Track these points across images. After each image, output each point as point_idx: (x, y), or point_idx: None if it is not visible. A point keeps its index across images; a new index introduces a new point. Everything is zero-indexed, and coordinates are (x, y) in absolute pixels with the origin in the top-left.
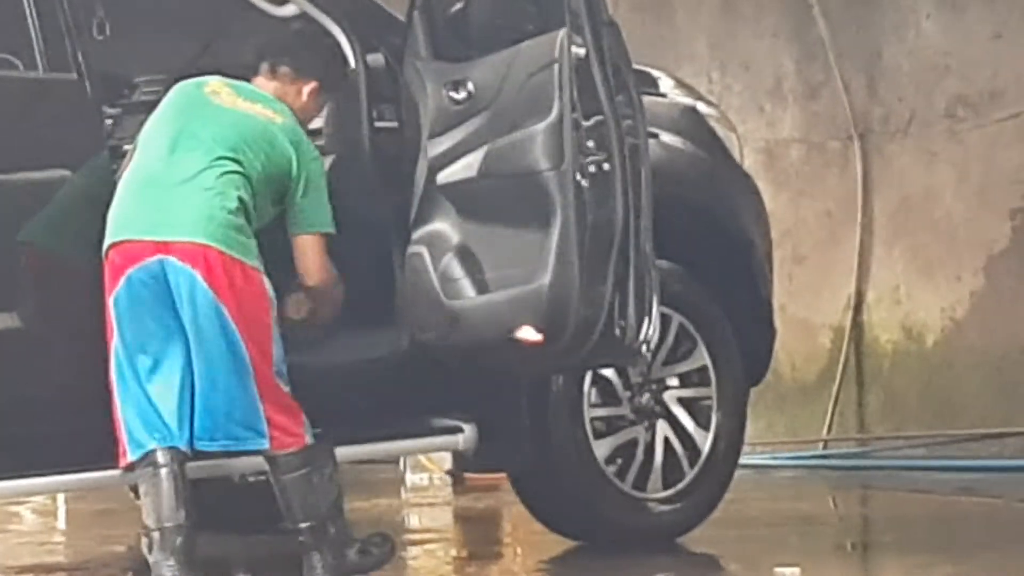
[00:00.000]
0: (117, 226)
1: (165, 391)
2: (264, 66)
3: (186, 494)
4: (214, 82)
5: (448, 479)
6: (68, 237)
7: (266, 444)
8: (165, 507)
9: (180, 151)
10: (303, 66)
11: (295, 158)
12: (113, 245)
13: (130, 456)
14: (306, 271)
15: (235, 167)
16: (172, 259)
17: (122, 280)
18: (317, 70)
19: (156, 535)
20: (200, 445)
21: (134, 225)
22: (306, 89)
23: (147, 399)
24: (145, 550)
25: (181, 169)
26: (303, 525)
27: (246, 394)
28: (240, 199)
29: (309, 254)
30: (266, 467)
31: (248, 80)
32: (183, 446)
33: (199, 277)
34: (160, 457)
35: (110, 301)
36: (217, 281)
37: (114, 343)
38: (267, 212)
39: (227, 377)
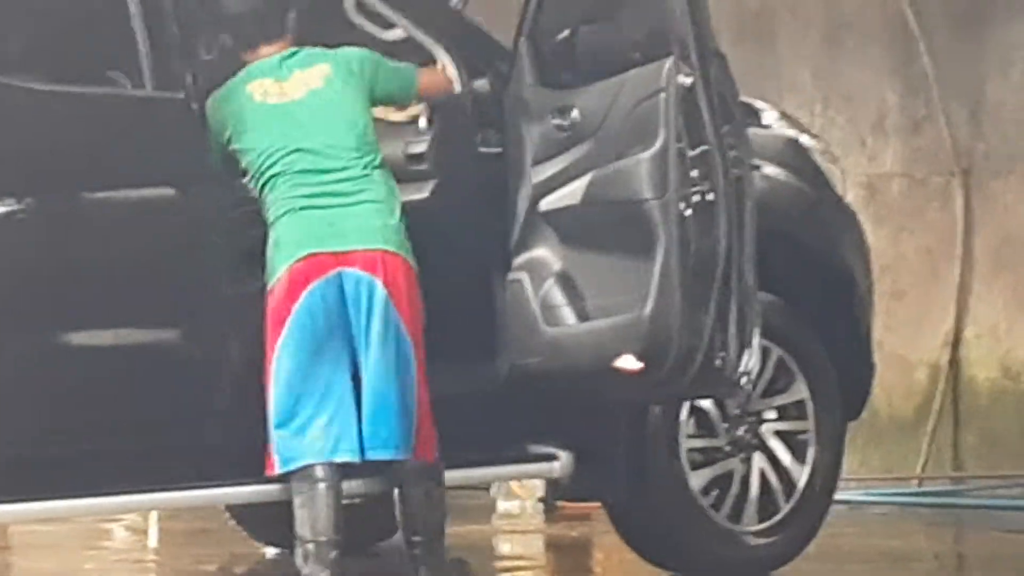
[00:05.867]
0: (295, 243)
1: (336, 405)
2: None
3: (341, 509)
4: (255, 83)
5: (540, 506)
6: None
7: (411, 453)
8: (323, 520)
9: (322, 167)
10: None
11: (362, 70)
12: (297, 260)
13: (281, 467)
14: (437, 87)
15: (369, 157)
16: (352, 269)
17: (305, 293)
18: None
19: (311, 547)
20: (371, 455)
21: (311, 241)
22: None
23: (313, 412)
24: (299, 561)
25: (332, 187)
26: (420, 539)
27: (412, 402)
28: (393, 194)
29: (427, 77)
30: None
31: None
32: (350, 458)
33: (378, 284)
34: (320, 471)
35: (291, 314)
36: (395, 287)
37: (279, 353)
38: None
39: (402, 386)
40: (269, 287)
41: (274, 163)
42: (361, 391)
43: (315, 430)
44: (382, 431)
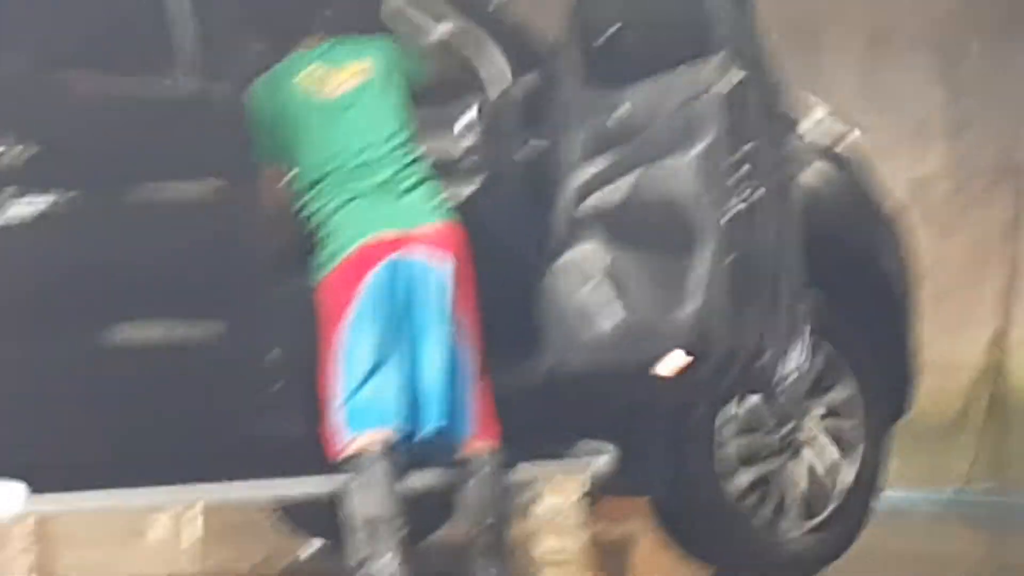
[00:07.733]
0: (357, 227)
1: (391, 381)
2: None
3: (398, 492)
4: (303, 74)
5: (583, 503)
6: None
7: (471, 433)
8: (384, 498)
9: (373, 161)
10: None
11: (404, 60)
12: (361, 242)
13: (350, 433)
14: None
15: (414, 148)
16: (416, 250)
17: (375, 271)
18: None
19: (373, 527)
20: (427, 431)
21: (373, 223)
22: None
23: (374, 386)
24: (357, 547)
25: (384, 178)
26: (488, 522)
27: (470, 381)
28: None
29: None
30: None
31: None
32: (402, 433)
33: (443, 265)
34: (378, 450)
35: (361, 291)
36: (459, 260)
37: (350, 327)
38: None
39: (465, 366)
40: (327, 272)
41: (326, 160)
42: (418, 370)
43: (385, 399)
44: (435, 409)
